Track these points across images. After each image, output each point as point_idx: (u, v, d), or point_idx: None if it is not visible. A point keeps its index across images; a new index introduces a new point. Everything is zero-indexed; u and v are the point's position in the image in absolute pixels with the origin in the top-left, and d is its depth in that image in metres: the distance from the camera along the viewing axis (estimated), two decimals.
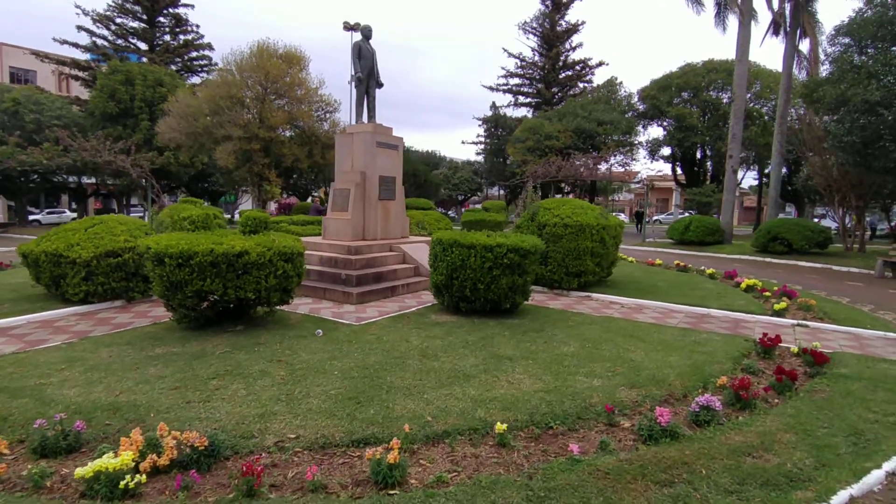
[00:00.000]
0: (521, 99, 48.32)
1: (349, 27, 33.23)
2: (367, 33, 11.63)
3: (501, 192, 48.49)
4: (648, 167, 45.70)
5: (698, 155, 34.70)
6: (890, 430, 4.23)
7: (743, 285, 10.84)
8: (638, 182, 31.48)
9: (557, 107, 36.83)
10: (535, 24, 46.23)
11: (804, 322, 8.18)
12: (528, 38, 47.36)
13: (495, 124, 39.16)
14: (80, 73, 40.62)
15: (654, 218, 52.96)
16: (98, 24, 40.77)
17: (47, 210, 41.65)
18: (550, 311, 8.29)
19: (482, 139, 41.15)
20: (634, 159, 34.04)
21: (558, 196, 49.60)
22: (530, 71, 46.96)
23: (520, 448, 3.81)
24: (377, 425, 4.03)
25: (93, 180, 32.31)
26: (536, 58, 46.51)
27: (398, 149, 11.84)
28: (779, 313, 8.55)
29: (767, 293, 10.17)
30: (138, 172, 19.84)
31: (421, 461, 3.60)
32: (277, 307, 7.06)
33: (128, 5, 42.19)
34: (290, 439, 3.82)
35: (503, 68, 48.28)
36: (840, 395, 4.96)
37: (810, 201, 29.32)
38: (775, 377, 5.13)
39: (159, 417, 4.07)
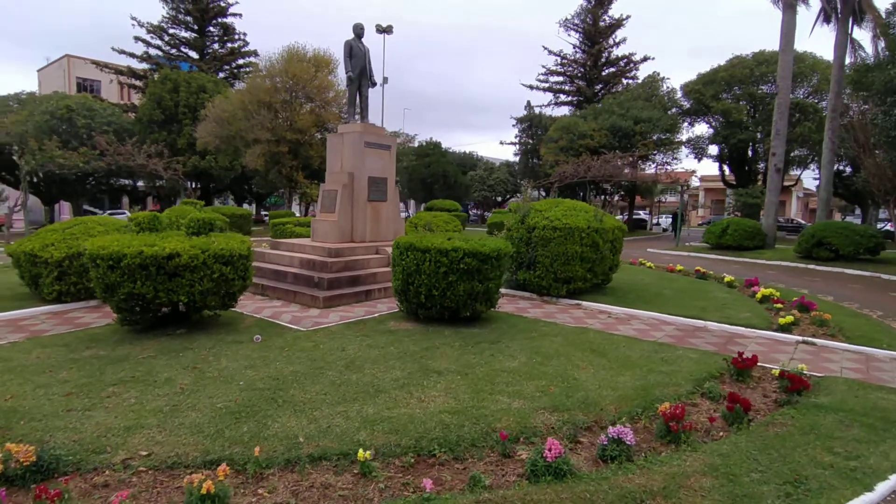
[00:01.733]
0: (562, 97, 47.14)
1: (381, 30, 33.45)
2: (358, 32, 11.42)
3: (543, 193, 47.49)
4: (694, 167, 43.38)
5: (749, 153, 32.48)
6: (844, 478, 3.51)
7: (758, 295, 9.83)
8: (684, 184, 29.65)
9: (597, 105, 35.48)
10: (576, 21, 44.91)
11: (811, 339, 7.24)
12: (569, 34, 46.07)
13: (530, 123, 38.23)
14: (136, 82, 43.01)
15: (705, 221, 50.23)
16: (152, 35, 42.97)
17: (109, 211, 44.37)
18: (520, 321, 7.73)
19: (518, 139, 40.33)
20: (676, 159, 32.25)
21: (601, 198, 48.05)
22: (571, 68, 45.67)
23: (381, 479, 3.40)
24: (241, 445, 3.72)
25: (144, 183, 33.98)
26: (578, 55, 45.21)
27: (390, 149, 11.55)
28: (784, 328, 7.63)
29: (781, 305, 9.16)
30: (170, 175, 20.57)
31: (259, 490, 3.26)
32: (233, 309, 6.93)
33: (180, 16, 44.25)
34: (141, 457, 3.57)
35: (543, 66, 47.13)
36: (801, 430, 4.21)
37: (874, 203, 26.76)
38: (727, 405, 4.44)
39: (28, 426, 3.94)
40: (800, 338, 7.31)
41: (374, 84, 11.82)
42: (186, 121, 32.34)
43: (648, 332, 7.48)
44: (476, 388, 4.88)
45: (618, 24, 44.04)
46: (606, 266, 9.95)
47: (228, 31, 46.09)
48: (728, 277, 11.79)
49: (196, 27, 45.46)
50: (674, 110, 32.61)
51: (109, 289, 5.92)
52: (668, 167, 32.25)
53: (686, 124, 34.26)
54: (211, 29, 46.17)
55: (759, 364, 5.77)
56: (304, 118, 24.65)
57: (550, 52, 45.92)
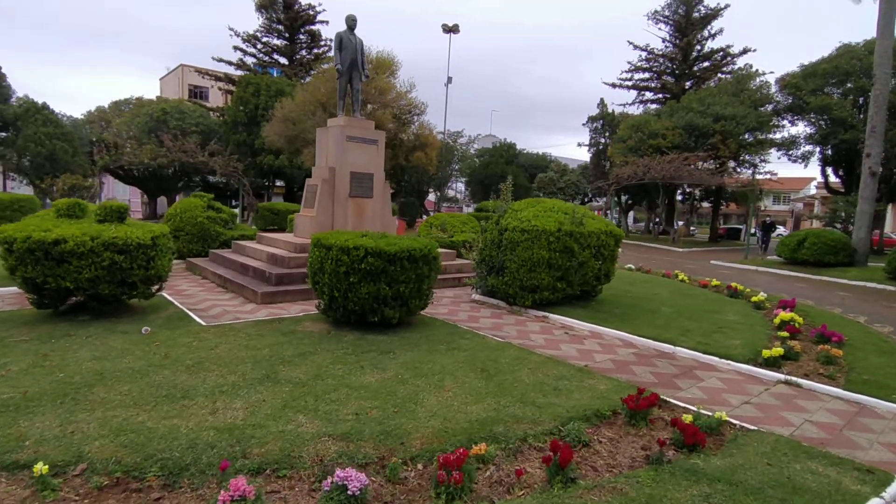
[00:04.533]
0: (648, 95, 44.00)
1: (448, 29, 33.21)
2: (350, 23, 11.11)
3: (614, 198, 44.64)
4: (797, 172, 38.27)
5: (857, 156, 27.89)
6: None
7: (777, 319, 8.11)
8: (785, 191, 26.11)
9: (676, 101, 32.49)
10: (667, 12, 41.68)
11: (795, 379, 5.72)
12: (658, 27, 42.87)
13: (603, 122, 35.97)
14: (232, 87, 46.63)
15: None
16: (247, 44, 46.36)
17: None
18: (445, 330, 6.89)
19: (590, 140, 38.12)
20: (764, 161, 28.52)
21: (687, 204, 44.18)
22: (657, 64, 42.45)
23: (51, 499, 2.96)
24: None
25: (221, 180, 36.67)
26: (667, 48, 41.88)
27: (377, 144, 11.12)
28: (770, 362, 6.14)
29: (798, 333, 7.48)
30: (225, 171, 21.80)
31: None
32: (172, 300, 6.87)
33: (273, 25, 47.32)
34: None
35: (628, 62, 44.25)
36: (624, 500, 3.14)
37: None
38: (543, 456, 3.45)
39: None
40: (783, 376, 5.82)
41: (366, 77, 11.47)
42: (263, 122, 34.41)
43: (591, 355, 6.37)
44: (289, 404, 4.28)
45: (714, 14, 40.16)
46: (588, 275, 8.74)
47: (315, 37, 48.45)
48: (758, 297, 9.93)
49: (287, 35, 48.35)
50: (767, 107, 28.88)
51: (11, 272, 6.07)
52: (755, 169, 28.55)
53: (788, 122, 30.24)
54: (300, 36, 48.88)
55: (686, 405, 4.60)
56: None
57: (636, 47, 43.02)
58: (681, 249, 26.52)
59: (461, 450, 3.36)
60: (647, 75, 43.62)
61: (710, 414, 4.50)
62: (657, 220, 40.42)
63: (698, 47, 39.75)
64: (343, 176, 10.65)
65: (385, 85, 27.38)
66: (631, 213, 55.65)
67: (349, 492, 2.91)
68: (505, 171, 32.67)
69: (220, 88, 49.39)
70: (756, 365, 6.16)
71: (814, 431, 4.50)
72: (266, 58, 48.16)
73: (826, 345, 6.78)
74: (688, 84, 41.16)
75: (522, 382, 5.06)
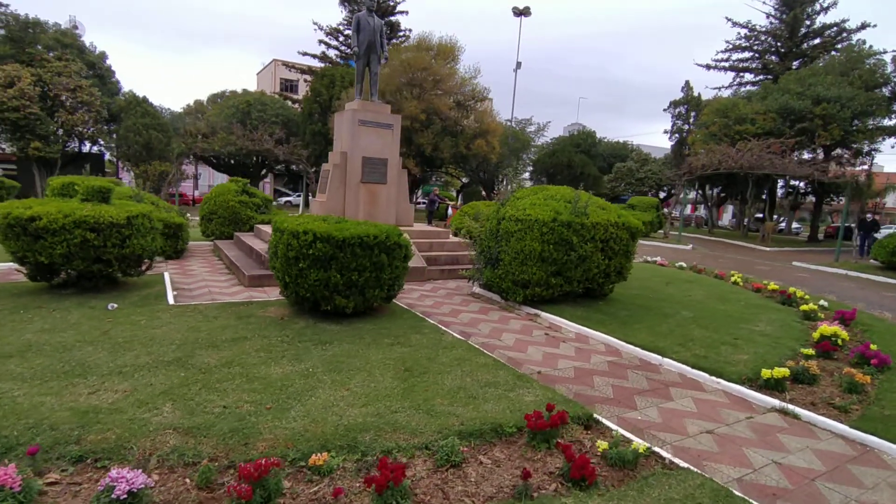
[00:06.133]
0: (748, 77, 39.78)
1: (519, 12, 32.05)
2: (369, 4, 10.86)
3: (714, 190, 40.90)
4: None
5: None
6: None
7: (816, 334, 6.78)
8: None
9: (772, 83, 28.94)
10: None
11: (792, 408, 4.68)
12: (762, 1, 38.50)
13: (687, 107, 32.98)
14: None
15: None
16: (329, 37, 48.02)
17: (296, 193, 51.31)
18: (408, 323, 6.42)
19: (672, 126, 35.10)
20: (875, 150, 24.56)
21: (789, 199, 39.62)
22: (758, 42, 38.18)
23: None
24: None
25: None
26: (772, 25, 37.48)
27: (392, 128, 10.82)
28: (769, 385, 5.08)
29: (838, 353, 6.20)
30: (290, 159, 22.66)
31: None
32: (169, 278, 7.12)
33: (351, 17, 48.56)
34: None
35: (726, 41, 40.29)
36: None
37: None
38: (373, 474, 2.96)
39: None
40: (779, 403, 4.77)
41: (385, 59, 11.17)
42: (336, 112, 35.56)
43: (556, 360, 5.67)
44: (170, 391, 4.11)
45: None
46: (592, 271, 7.85)
47: (394, 28, 49.10)
48: (808, 306, 8.41)
49: None
50: (883, 90, 24.84)
51: (4, 247, 6.52)
52: (861, 159, 24.68)
53: None
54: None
55: (620, 429, 3.89)
56: (411, 105, 24.88)
57: (735, 24, 38.95)
58: (767, 248, 23.72)
59: (274, 460, 2.97)
60: (746, 55, 39.45)
61: (642, 442, 3.75)
62: (759, 214, 36.53)
63: (808, 22, 35.18)
64: (355, 161, 10.48)
65: (447, 72, 27.00)
66: (731, 208, 50.86)
67: (114, 494, 2.64)
68: (572, 159, 31.04)
69: (304, 81, 51.79)
70: (752, 387, 5.13)
71: (773, 478, 3.57)
72: (348, 50, 49.67)
73: (856, 368, 5.51)
74: (795, 64, 36.57)
75: (439, 386, 4.54)
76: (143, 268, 7.55)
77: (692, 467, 3.53)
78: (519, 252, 7.61)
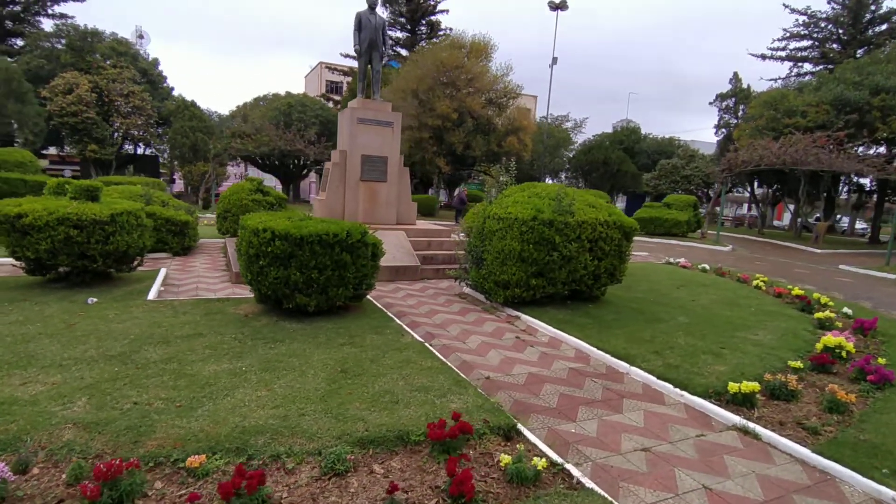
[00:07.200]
0: (807, 66, 37.19)
1: (555, 6, 31.28)
2: (371, 2, 10.80)
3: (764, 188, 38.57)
4: None
5: None
6: None
7: (819, 345, 6.15)
8: None
9: (828, 73, 26.86)
10: None
11: (753, 426, 4.24)
12: None
13: (735, 100, 31.15)
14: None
15: None
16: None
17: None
18: (359, 324, 6.23)
19: (718, 121, 33.23)
20: None
21: (852, 197, 36.80)
22: (818, 29, 35.61)
23: None
24: None
25: None
26: (834, 10, 34.87)
27: (392, 126, 10.73)
28: (735, 400, 4.62)
29: (837, 366, 5.61)
30: (320, 157, 23.10)
31: None
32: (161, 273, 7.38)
33: (396, 18, 49.13)
34: None
35: (783, 29, 37.67)
36: None
37: None
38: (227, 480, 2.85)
39: None
40: (740, 420, 4.32)
41: (386, 57, 11.09)
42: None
43: (513, 365, 5.41)
44: (95, 385, 4.17)
45: None
46: (579, 272, 7.46)
47: (434, 27, 49.26)
48: (823, 314, 7.66)
49: (409, 27, 49.90)
50: None
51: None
52: None
53: None
54: (421, 28, 50.09)
55: (539, 443, 3.63)
56: (443, 104, 24.76)
57: (793, 10, 36.53)
58: (819, 250, 22.05)
59: (133, 460, 2.92)
60: (805, 43, 36.91)
61: (557, 458, 3.48)
62: (818, 215, 34.14)
63: (873, 7, 32.48)
64: (354, 159, 10.48)
65: (479, 69, 26.73)
66: (792, 207, 47.73)
67: None
68: (608, 157, 29.96)
69: (347, 83, 52.90)
70: (718, 401, 4.68)
71: None
72: (389, 51, 50.25)
73: (853, 384, 4.93)
74: (859, 53, 33.88)
75: (366, 389, 4.39)
76: (134, 264, 7.80)
77: (599, 489, 3.22)
78: (500, 252, 7.35)
